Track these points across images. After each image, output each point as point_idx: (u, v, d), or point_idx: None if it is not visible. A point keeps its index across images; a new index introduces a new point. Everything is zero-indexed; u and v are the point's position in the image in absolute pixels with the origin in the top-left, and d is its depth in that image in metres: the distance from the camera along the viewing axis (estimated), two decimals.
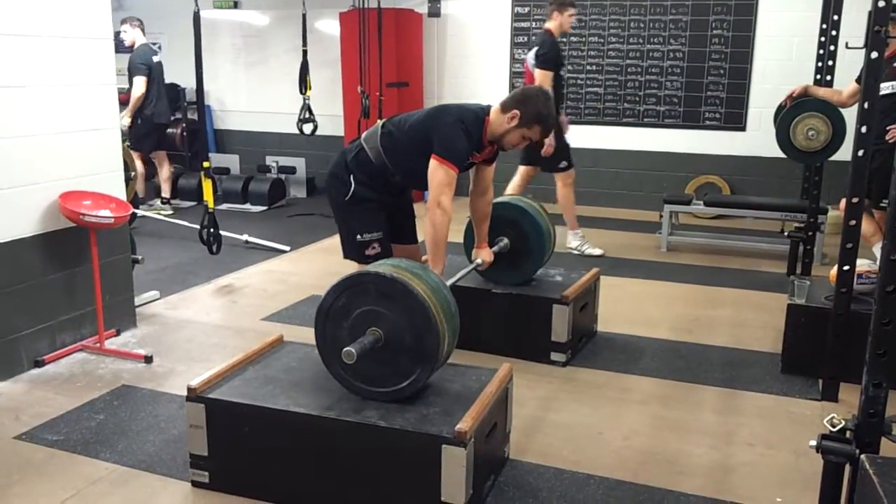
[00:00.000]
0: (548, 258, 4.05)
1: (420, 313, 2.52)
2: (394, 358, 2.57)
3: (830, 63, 4.76)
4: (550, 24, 5.69)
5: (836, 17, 4.59)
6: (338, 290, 2.62)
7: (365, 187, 3.35)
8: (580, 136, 7.92)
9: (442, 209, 3.18)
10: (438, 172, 3.16)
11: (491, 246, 3.76)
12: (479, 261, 3.67)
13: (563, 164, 5.84)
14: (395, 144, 3.31)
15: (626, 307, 4.77)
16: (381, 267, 2.67)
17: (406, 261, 2.81)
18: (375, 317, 2.56)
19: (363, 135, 3.44)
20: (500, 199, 3.97)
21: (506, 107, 3.26)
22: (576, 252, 6.01)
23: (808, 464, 2.78)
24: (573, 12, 5.72)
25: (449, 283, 3.08)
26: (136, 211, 5.56)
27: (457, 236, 3.78)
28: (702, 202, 6.38)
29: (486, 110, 3.31)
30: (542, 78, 5.52)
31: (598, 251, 6.00)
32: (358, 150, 3.38)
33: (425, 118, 3.31)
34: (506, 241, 3.87)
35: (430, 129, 3.23)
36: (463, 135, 3.21)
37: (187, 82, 8.80)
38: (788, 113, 4.86)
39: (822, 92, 4.76)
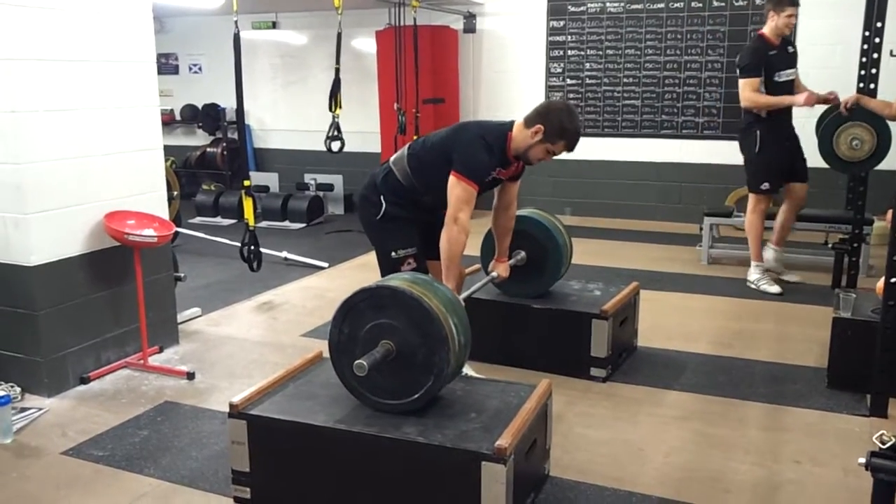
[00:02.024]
0: (564, 271, 4.03)
1: (416, 309, 2.54)
2: (411, 362, 2.58)
3: (874, 71, 4.68)
4: (765, 28, 5.17)
5: (879, 25, 4.53)
6: (337, 322, 2.66)
7: (396, 206, 3.38)
8: (619, 149, 7.92)
9: (459, 226, 3.18)
10: (456, 189, 3.17)
11: (508, 258, 3.76)
12: (494, 274, 3.67)
13: (765, 185, 5.27)
14: (420, 164, 3.34)
15: (666, 321, 4.71)
16: (369, 284, 2.70)
17: (396, 273, 2.86)
18: (381, 330, 2.59)
19: (392, 158, 3.48)
20: (517, 213, 3.96)
21: (529, 121, 3.26)
22: (752, 286, 5.39)
23: (857, 482, 2.72)
24: (792, 12, 5.05)
25: (463, 295, 3.09)
26: (179, 229, 5.66)
27: (474, 249, 3.78)
28: (743, 214, 6.29)
29: (509, 126, 3.31)
30: (742, 87, 5.14)
31: (775, 289, 5.28)
32: (387, 172, 3.42)
33: (447, 136, 3.33)
34: (522, 254, 3.85)
35: (451, 147, 3.25)
36: (484, 150, 3.22)
37: (227, 102, 8.98)
38: (831, 122, 4.79)
39: (872, 104, 4.67)
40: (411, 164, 3.36)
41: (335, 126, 6.02)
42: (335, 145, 6.07)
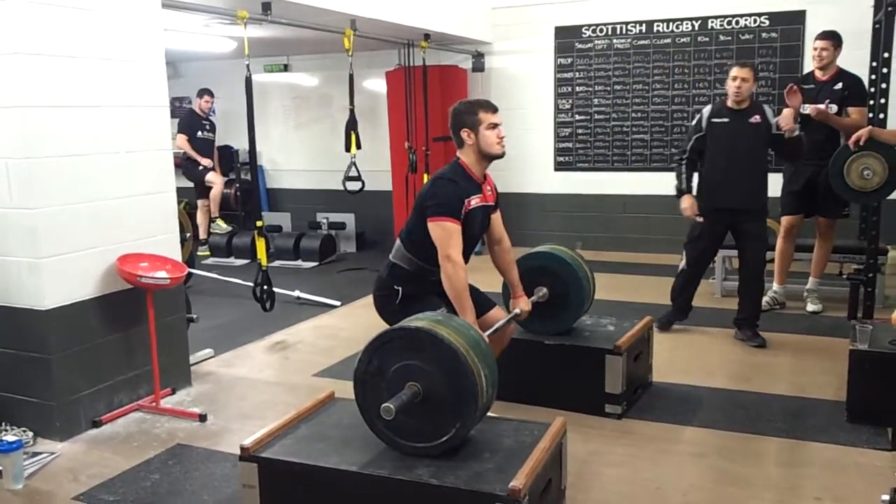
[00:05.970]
0: (587, 307, 4.01)
1: (452, 361, 2.52)
2: (437, 408, 2.55)
3: (882, 101, 4.68)
4: None
5: (886, 55, 4.53)
6: (368, 353, 2.64)
7: (410, 285, 3.39)
8: (629, 183, 7.93)
9: (452, 262, 3.18)
10: (436, 231, 3.20)
11: (529, 295, 3.73)
12: (517, 311, 3.62)
13: (781, 209, 5.65)
14: (413, 243, 3.36)
15: (681, 356, 4.67)
16: (407, 321, 2.69)
17: (430, 312, 2.83)
18: (410, 371, 2.56)
19: (390, 255, 3.51)
20: (538, 249, 3.96)
21: (458, 140, 3.32)
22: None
23: None
24: (820, 45, 5.30)
25: (486, 333, 3.06)
26: (192, 270, 5.68)
27: (496, 287, 3.78)
28: None
29: (456, 158, 3.37)
30: None
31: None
32: (391, 266, 3.44)
33: (415, 206, 3.40)
34: (545, 290, 3.83)
35: (422, 205, 3.30)
36: (446, 183, 3.27)
37: (240, 143, 9.08)
38: (842, 153, 4.78)
39: (884, 135, 4.65)
40: (408, 249, 3.39)
41: (353, 166, 6.04)
42: (353, 185, 6.08)
